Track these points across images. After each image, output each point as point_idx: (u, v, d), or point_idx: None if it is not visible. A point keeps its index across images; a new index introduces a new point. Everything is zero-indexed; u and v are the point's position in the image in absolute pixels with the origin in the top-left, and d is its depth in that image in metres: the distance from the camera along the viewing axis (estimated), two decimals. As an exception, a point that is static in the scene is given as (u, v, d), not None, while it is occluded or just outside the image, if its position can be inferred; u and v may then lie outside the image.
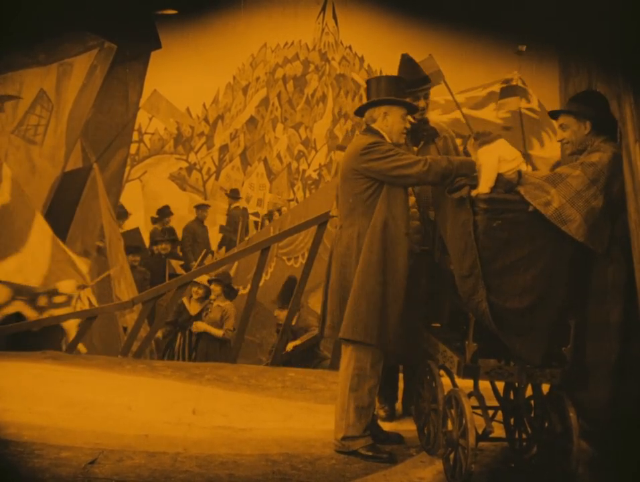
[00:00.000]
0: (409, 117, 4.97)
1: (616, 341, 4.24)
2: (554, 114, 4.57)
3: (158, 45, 12.04)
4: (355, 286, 4.56)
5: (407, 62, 5.20)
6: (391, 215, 4.57)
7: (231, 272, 9.73)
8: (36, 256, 7.67)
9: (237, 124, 15.67)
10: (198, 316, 8.57)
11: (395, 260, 4.56)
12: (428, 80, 5.20)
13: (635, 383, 4.20)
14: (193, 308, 8.64)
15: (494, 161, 4.23)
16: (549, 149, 9.55)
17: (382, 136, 4.66)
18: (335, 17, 15.38)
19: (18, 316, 7.50)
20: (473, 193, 4.23)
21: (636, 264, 3.99)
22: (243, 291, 9.12)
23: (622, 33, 3.95)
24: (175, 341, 8.60)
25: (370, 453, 4.59)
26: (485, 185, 4.22)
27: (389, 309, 4.53)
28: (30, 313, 7.49)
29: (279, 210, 13.71)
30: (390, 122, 4.67)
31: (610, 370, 4.24)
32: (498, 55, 11.53)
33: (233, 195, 13.85)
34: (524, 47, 8.76)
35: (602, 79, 4.50)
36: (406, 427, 5.10)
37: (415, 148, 5.03)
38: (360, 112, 4.82)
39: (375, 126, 4.69)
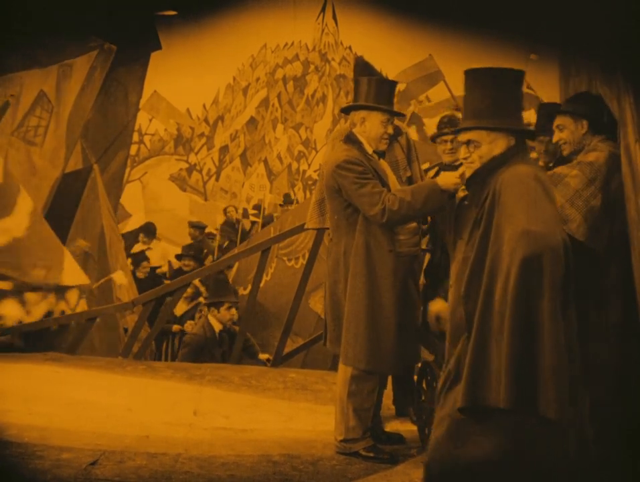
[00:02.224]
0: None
1: (615, 341, 4.24)
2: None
3: (158, 46, 12.04)
4: (346, 311, 4.54)
5: (362, 65, 5.13)
6: (372, 235, 4.50)
7: (232, 273, 9.73)
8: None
9: (238, 125, 15.67)
10: (181, 319, 8.55)
11: (382, 280, 4.50)
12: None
13: (635, 383, 4.19)
14: (179, 308, 8.59)
15: None
16: None
17: (361, 144, 4.61)
18: (335, 18, 15.39)
19: None
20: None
21: (635, 263, 3.98)
22: (243, 292, 9.13)
23: (622, 33, 3.95)
24: (161, 341, 8.59)
25: (371, 454, 4.59)
26: None
27: (380, 332, 4.49)
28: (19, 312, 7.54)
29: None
30: (368, 127, 4.59)
31: (609, 370, 4.24)
32: (499, 56, 11.53)
33: None
34: (535, 57, 8.74)
35: (602, 80, 4.50)
36: (407, 427, 5.10)
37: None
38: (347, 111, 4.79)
39: (355, 131, 4.64)
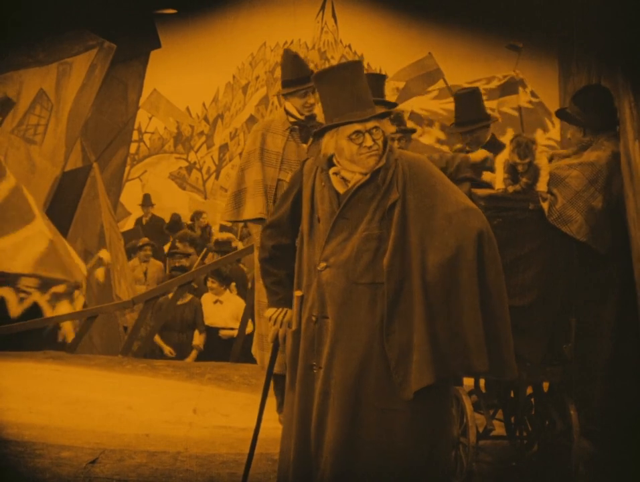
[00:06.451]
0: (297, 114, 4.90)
1: (612, 339, 4.24)
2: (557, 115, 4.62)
3: (157, 45, 12.04)
4: None
5: (293, 59, 5.02)
6: None
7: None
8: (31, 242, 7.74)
9: (237, 123, 15.66)
10: None
11: None
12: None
13: (633, 381, 4.20)
14: None
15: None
16: (553, 134, 9.47)
17: None
18: (334, 16, 15.37)
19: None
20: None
21: (635, 262, 3.98)
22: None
23: (621, 32, 3.95)
24: None
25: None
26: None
27: None
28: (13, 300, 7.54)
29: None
30: None
31: (607, 368, 4.25)
32: (498, 54, 11.52)
33: None
34: (520, 44, 8.77)
35: (601, 79, 4.51)
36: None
37: (305, 146, 4.89)
38: None
39: None
